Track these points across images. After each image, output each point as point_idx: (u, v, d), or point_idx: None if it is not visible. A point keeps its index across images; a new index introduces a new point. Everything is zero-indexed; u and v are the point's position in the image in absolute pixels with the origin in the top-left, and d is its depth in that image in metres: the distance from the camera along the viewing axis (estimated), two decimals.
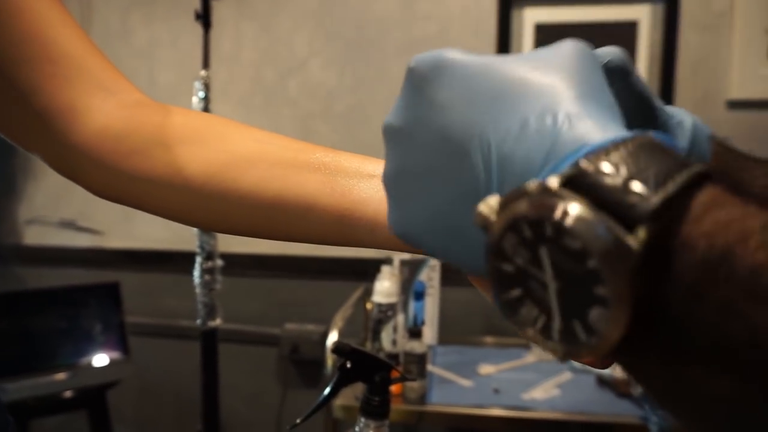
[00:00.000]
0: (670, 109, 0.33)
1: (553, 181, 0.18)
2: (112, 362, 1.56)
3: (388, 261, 1.59)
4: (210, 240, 1.16)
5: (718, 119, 1.59)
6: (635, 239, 0.17)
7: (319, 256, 1.74)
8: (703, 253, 0.17)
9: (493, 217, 0.19)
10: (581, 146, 0.19)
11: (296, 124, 1.76)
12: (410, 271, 1.57)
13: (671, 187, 0.17)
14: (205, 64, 1.07)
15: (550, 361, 1.45)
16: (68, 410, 1.54)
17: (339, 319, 1.48)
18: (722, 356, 0.16)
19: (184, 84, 1.78)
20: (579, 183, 0.18)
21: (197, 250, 1.17)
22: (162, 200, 0.43)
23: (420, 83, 0.24)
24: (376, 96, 1.72)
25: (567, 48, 0.23)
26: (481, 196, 0.22)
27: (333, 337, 1.43)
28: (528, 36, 1.62)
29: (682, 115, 0.35)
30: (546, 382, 1.33)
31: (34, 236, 1.91)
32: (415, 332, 1.27)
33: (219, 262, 1.17)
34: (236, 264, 1.44)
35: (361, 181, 0.37)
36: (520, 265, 0.19)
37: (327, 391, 0.63)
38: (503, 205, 0.19)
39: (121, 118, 0.43)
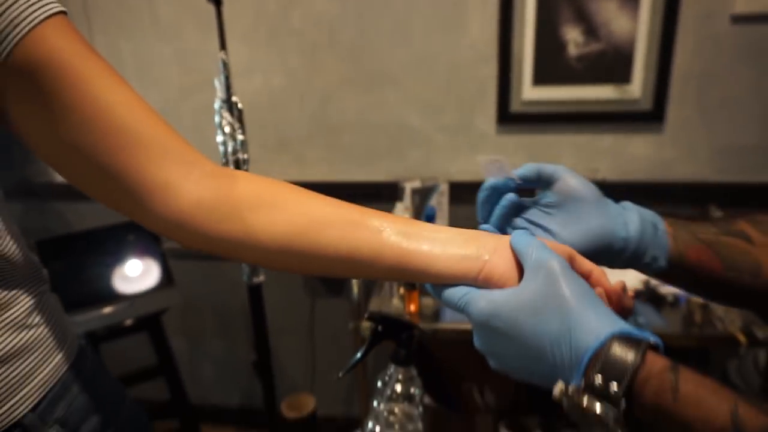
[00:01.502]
0: (616, 205, 0.55)
1: (580, 395, 0.40)
2: (159, 290, 1.76)
3: (398, 186, 1.71)
4: None
5: (722, 34, 1.59)
6: (619, 414, 0.39)
7: (333, 182, 1.85)
8: (649, 405, 0.39)
9: (561, 395, 0.42)
10: (584, 353, 0.41)
11: (303, 57, 1.77)
12: (421, 197, 1.70)
13: (626, 379, 0.38)
14: (222, 45, 1.09)
15: None
16: (130, 334, 1.77)
17: None
18: None
19: (184, 19, 1.77)
20: (587, 387, 0.40)
21: None
22: (250, 255, 0.53)
23: (485, 326, 0.46)
24: (381, 25, 1.71)
25: (555, 282, 0.43)
26: (550, 369, 0.43)
27: None
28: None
29: (628, 205, 0.56)
30: None
31: None
32: None
33: None
34: None
35: (406, 240, 0.50)
36: (578, 420, 0.42)
37: (362, 350, 0.78)
38: (563, 394, 0.42)
39: (208, 189, 0.50)
